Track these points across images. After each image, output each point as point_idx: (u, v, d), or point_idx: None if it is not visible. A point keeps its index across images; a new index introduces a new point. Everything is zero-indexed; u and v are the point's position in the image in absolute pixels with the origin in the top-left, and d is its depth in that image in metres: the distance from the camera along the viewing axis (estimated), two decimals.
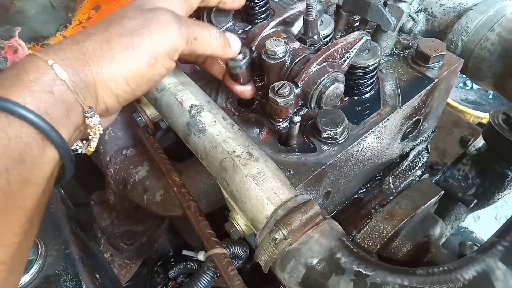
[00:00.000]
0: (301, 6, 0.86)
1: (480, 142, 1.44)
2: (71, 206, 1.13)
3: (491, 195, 1.39)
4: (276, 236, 0.62)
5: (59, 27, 1.48)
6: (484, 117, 2.95)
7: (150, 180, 0.94)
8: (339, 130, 0.80)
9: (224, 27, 1.04)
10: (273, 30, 0.84)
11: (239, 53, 0.80)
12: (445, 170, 1.40)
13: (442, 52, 0.89)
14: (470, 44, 0.96)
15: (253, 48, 0.83)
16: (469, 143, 1.43)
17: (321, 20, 0.92)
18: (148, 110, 0.96)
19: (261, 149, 0.73)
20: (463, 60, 0.93)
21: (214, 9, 0.96)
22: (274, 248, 0.63)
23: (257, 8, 1.07)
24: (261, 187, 0.66)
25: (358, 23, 1.02)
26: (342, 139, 0.81)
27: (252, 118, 0.88)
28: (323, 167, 0.78)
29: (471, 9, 0.95)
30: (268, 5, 1.08)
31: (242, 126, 0.85)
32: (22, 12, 1.35)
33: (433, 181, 1.37)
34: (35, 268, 0.92)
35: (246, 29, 1.10)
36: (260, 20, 1.10)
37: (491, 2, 0.95)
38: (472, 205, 1.38)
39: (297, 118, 0.77)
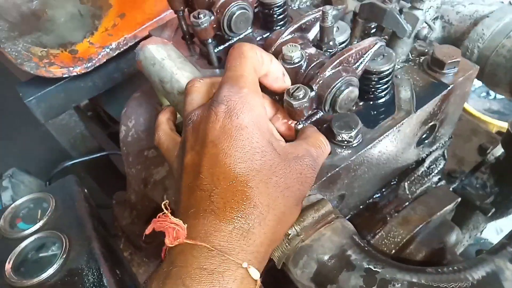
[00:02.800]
0: (317, 13, 0.88)
1: (499, 150, 1.43)
2: (93, 204, 1.18)
3: (509, 204, 1.37)
4: (289, 232, 0.64)
5: (86, 34, 1.56)
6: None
7: (170, 179, 0.98)
8: (353, 133, 0.81)
9: (244, 34, 1.08)
10: (290, 36, 0.87)
11: None
12: (463, 178, 1.39)
13: (457, 59, 0.90)
14: (486, 50, 0.97)
15: (271, 52, 0.86)
16: (488, 151, 1.42)
17: (337, 27, 0.95)
18: None
19: None
20: (479, 67, 0.93)
21: (234, 16, 1.00)
22: (287, 244, 0.65)
23: (275, 15, 1.10)
24: None
25: (374, 30, 1.04)
26: (357, 143, 0.83)
27: None
28: (337, 169, 0.80)
29: (487, 17, 0.96)
30: (286, 13, 1.11)
31: None
32: (53, 20, 1.43)
33: (451, 189, 1.36)
34: (59, 262, 0.96)
35: (264, 35, 1.13)
36: (278, 27, 1.13)
37: (507, 9, 0.96)
38: (490, 214, 1.36)
39: (299, 126, 0.80)
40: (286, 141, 0.75)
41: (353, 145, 0.83)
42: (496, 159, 1.41)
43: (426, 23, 0.95)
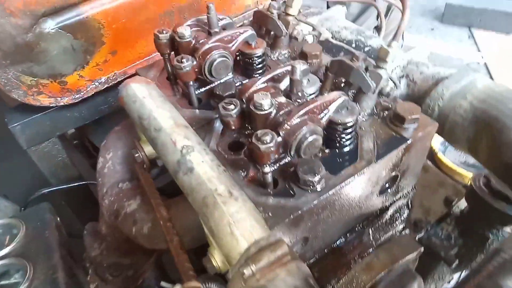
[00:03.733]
0: (288, 66, 0.96)
1: (464, 203, 1.49)
2: (64, 234, 1.19)
3: (473, 257, 1.41)
4: (245, 272, 0.67)
5: (76, 67, 1.62)
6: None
7: (140, 213, 1.00)
8: (316, 178, 0.87)
9: (225, 79, 1.15)
10: (263, 85, 0.94)
11: (231, 104, 0.90)
12: (429, 228, 1.44)
13: (417, 115, 0.98)
14: (446, 109, 1.05)
15: (244, 100, 0.93)
16: (453, 204, 1.48)
17: (308, 79, 1.03)
18: (146, 147, 1.05)
19: (242, 189, 0.80)
20: (437, 124, 1.01)
21: (215, 63, 1.07)
22: (243, 283, 0.68)
23: (254, 64, 1.19)
24: (237, 225, 0.72)
25: (343, 84, 1.13)
26: (320, 187, 0.88)
27: (240, 161, 0.96)
28: (300, 211, 0.84)
29: (447, 78, 1.06)
30: (264, 63, 1.20)
31: (230, 168, 0.93)
32: (45, 52, 1.49)
33: (417, 238, 1.40)
34: None
35: (244, 81, 1.21)
36: (257, 75, 1.22)
37: (464, 73, 1.05)
38: (454, 265, 1.40)
39: (267, 169, 0.85)
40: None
41: (317, 190, 0.88)
42: (460, 211, 1.47)
43: (391, 80, 1.04)
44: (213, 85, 1.18)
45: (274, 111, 0.87)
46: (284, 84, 0.96)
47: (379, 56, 0.98)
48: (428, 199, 1.52)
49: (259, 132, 0.82)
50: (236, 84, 1.19)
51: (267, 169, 0.86)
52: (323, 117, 0.87)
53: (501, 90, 0.99)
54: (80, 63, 1.62)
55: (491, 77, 5.04)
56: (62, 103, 1.64)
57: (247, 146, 0.99)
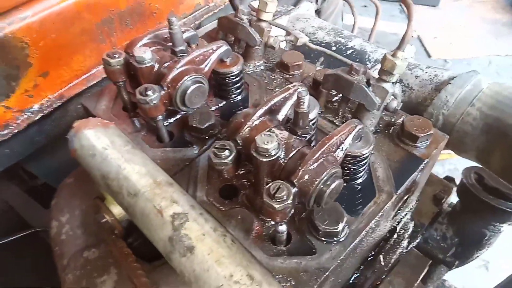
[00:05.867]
0: (285, 92, 0.79)
1: (453, 197, 1.45)
2: None
3: (470, 254, 1.38)
4: None
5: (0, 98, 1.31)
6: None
7: None
8: (340, 227, 0.72)
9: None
10: (259, 120, 0.76)
11: (225, 149, 0.71)
12: (424, 232, 1.38)
13: (430, 131, 0.87)
14: (451, 117, 0.96)
15: (239, 140, 0.74)
16: (443, 201, 1.43)
17: None
18: (114, 208, 0.83)
19: (261, 266, 0.63)
20: (448, 136, 0.91)
21: (188, 91, 0.87)
22: None
23: (230, 84, 1.00)
24: None
25: (337, 99, 0.99)
26: (344, 236, 0.74)
27: (239, 214, 0.78)
28: (327, 272, 0.70)
29: (449, 83, 0.95)
30: (242, 81, 1.02)
31: (229, 225, 0.75)
32: None
33: (415, 243, 1.33)
34: None
35: (220, 105, 1.02)
36: (234, 95, 1.03)
37: (467, 76, 0.96)
38: (453, 266, 1.36)
39: (282, 228, 0.70)
40: None
41: (339, 241, 0.74)
42: (451, 208, 1.43)
43: (393, 94, 0.91)
44: (183, 114, 0.98)
45: (282, 153, 0.70)
46: (282, 114, 0.79)
47: (383, 68, 0.84)
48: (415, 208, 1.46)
49: (271, 187, 0.65)
50: (211, 109, 1.00)
51: (282, 227, 0.69)
52: (339, 153, 0.72)
53: (509, 93, 0.91)
54: (3, 92, 1.31)
55: (425, 49, 5.25)
56: None
57: (244, 192, 0.81)
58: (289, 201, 0.64)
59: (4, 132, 1.36)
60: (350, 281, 0.99)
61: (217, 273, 0.59)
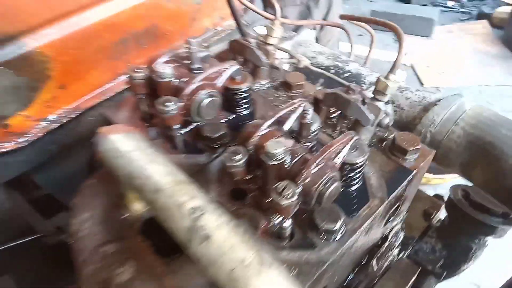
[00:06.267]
0: (291, 106, 0.90)
1: (441, 214, 1.54)
2: None
3: (457, 266, 1.46)
4: None
5: (20, 107, 1.40)
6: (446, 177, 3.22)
7: (137, 284, 0.87)
8: (337, 225, 0.81)
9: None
10: (267, 130, 0.86)
11: (238, 154, 0.81)
12: (414, 244, 1.46)
13: (418, 146, 0.97)
14: (438, 135, 1.06)
15: (250, 146, 0.84)
16: (432, 216, 1.52)
17: None
18: (135, 205, 0.92)
19: (270, 253, 0.71)
20: (434, 151, 1.01)
21: (203, 103, 0.98)
22: None
23: (238, 100, 1.11)
24: None
25: (335, 115, 1.09)
26: (340, 234, 0.83)
27: (247, 213, 0.87)
28: (326, 265, 0.78)
29: (436, 105, 1.07)
30: (249, 97, 1.13)
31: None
32: None
33: (405, 255, 1.41)
34: None
35: (230, 118, 1.13)
36: (242, 110, 1.14)
37: (451, 98, 1.08)
38: (442, 278, 1.43)
39: (287, 223, 0.78)
40: None
41: (336, 238, 0.83)
42: (440, 223, 1.52)
43: (385, 112, 1.02)
44: (196, 124, 1.08)
45: (288, 159, 0.80)
46: (288, 125, 0.89)
47: (377, 89, 0.96)
48: (408, 215, 1.55)
49: (279, 185, 0.75)
50: (221, 121, 1.11)
51: (287, 223, 0.79)
52: (337, 160, 0.82)
53: (489, 114, 1.02)
54: (24, 102, 1.40)
55: (417, 78, 5.45)
56: (7, 149, 1.41)
57: (252, 194, 0.91)
58: (294, 198, 0.74)
59: (23, 139, 1.45)
60: (345, 283, 1.07)
61: (231, 258, 0.68)
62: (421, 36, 6.07)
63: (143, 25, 1.57)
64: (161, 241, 1.04)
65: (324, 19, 3.43)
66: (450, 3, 7.07)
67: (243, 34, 1.45)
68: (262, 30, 1.24)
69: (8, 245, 1.48)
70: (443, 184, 3.75)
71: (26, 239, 1.51)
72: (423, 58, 5.63)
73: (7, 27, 1.24)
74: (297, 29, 2.13)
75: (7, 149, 1.42)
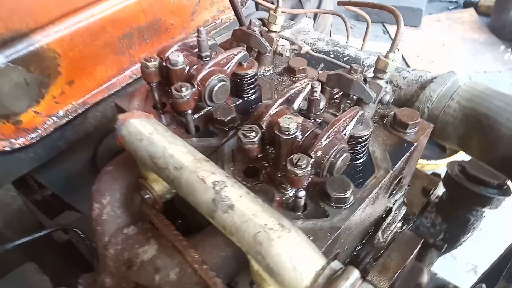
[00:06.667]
0: (300, 86, 0.96)
1: (439, 190, 1.61)
2: None
3: (457, 238, 1.54)
4: None
5: (31, 103, 1.44)
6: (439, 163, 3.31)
7: (162, 259, 0.92)
8: (348, 194, 0.87)
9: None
10: (278, 108, 0.92)
11: (252, 131, 0.87)
12: (415, 219, 1.54)
13: (418, 120, 1.04)
14: (435, 110, 1.13)
15: (263, 124, 0.90)
16: (431, 193, 1.59)
17: None
18: (156, 186, 0.97)
19: (288, 219, 0.77)
20: (433, 125, 1.08)
21: (215, 88, 1.03)
22: None
23: (246, 85, 1.17)
24: (298, 258, 0.70)
25: (338, 96, 1.15)
26: (350, 203, 0.89)
27: (261, 188, 0.93)
28: (339, 231, 0.85)
29: (432, 81, 1.13)
30: (256, 82, 1.18)
31: None
32: None
33: (408, 227, 1.48)
34: None
35: (237, 103, 1.18)
36: (249, 95, 1.19)
37: (446, 75, 1.14)
38: (443, 249, 1.51)
39: (302, 193, 0.84)
40: None
41: (347, 206, 0.89)
42: (438, 198, 1.59)
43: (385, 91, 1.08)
44: (207, 109, 1.14)
45: (300, 134, 0.86)
46: (297, 103, 0.95)
47: (377, 67, 1.02)
48: (408, 193, 1.62)
49: (293, 157, 0.81)
50: (232, 105, 1.16)
51: (302, 193, 0.85)
52: (345, 133, 0.88)
53: (482, 89, 1.09)
54: (35, 98, 1.44)
55: (408, 67, 5.54)
56: (17, 145, 1.45)
57: (265, 170, 0.97)
58: (308, 169, 0.80)
59: (33, 136, 1.49)
60: (355, 253, 1.14)
61: (255, 223, 0.74)
62: (410, 25, 6.17)
63: (147, 19, 1.62)
64: (185, 220, 1.10)
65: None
66: None
67: (241, 24, 1.51)
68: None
69: (20, 242, 1.52)
70: (436, 170, 3.84)
71: (34, 236, 1.55)
72: (413, 47, 5.72)
73: (19, 25, 1.28)
74: (293, 18, 2.19)
75: (19, 146, 1.46)
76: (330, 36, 4.03)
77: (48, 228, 1.70)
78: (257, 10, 2.76)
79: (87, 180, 2.14)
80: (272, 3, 2.88)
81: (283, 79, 1.26)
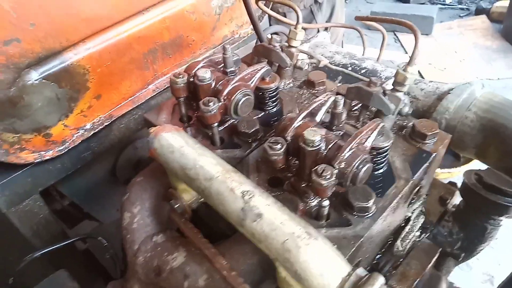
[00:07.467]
0: (322, 99, 1.00)
1: (456, 199, 1.63)
2: None
3: (474, 247, 1.55)
4: None
5: (61, 117, 1.52)
6: (453, 171, 3.31)
7: (191, 266, 0.97)
8: (370, 203, 0.91)
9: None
10: (302, 122, 0.97)
11: (278, 143, 0.92)
12: (432, 228, 1.55)
13: (436, 131, 1.07)
14: (452, 121, 1.16)
15: (288, 137, 0.95)
16: (448, 202, 1.61)
17: None
18: (185, 196, 1.02)
19: (314, 228, 0.81)
20: (451, 135, 1.11)
21: (240, 102, 1.08)
22: None
23: (268, 98, 1.22)
24: (325, 264, 0.74)
25: (357, 108, 1.19)
26: (372, 212, 0.93)
27: (285, 198, 0.97)
28: (362, 239, 0.88)
29: (449, 93, 1.17)
30: (277, 96, 1.23)
31: None
32: (29, 105, 1.38)
33: (426, 236, 1.50)
34: None
35: (259, 115, 1.23)
36: (270, 108, 1.24)
37: (463, 87, 1.18)
38: (460, 258, 1.52)
39: (326, 202, 0.88)
40: None
41: (369, 215, 0.93)
42: (456, 207, 1.61)
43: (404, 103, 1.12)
44: (230, 122, 1.19)
45: (323, 145, 0.90)
46: (319, 116, 0.99)
47: (396, 80, 1.06)
48: (426, 201, 1.64)
49: (318, 168, 0.85)
50: (253, 118, 1.21)
51: (326, 202, 0.89)
52: (367, 145, 0.92)
53: (499, 100, 1.12)
54: (65, 112, 1.52)
55: (420, 75, 5.55)
56: (47, 157, 1.52)
57: (289, 180, 1.01)
58: (333, 179, 0.84)
59: (61, 148, 1.56)
60: (375, 261, 1.17)
61: (283, 231, 0.78)
62: (421, 34, 6.17)
63: (170, 36, 1.69)
64: (208, 228, 1.15)
65: (327, 21, 3.56)
66: (448, 0, 7.18)
67: (261, 39, 1.56)
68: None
69: (48, 249, 1.57)
70: (450, 178, 3.83)
71: (62, 244, 1.60)
72: (425, 55, 5.73)
73: (53, 43, 1.35)
74: (306, 30, 2.24)
75: (48, 157, 1.53)
76: (342, 45, 4.09)
77: (71, 237, 1.76)
78: (270, 23, 2.83)
79: (106, 190, 2.21)
80: (285, 15, 2.95)
81: (303, 92, 1.30)
